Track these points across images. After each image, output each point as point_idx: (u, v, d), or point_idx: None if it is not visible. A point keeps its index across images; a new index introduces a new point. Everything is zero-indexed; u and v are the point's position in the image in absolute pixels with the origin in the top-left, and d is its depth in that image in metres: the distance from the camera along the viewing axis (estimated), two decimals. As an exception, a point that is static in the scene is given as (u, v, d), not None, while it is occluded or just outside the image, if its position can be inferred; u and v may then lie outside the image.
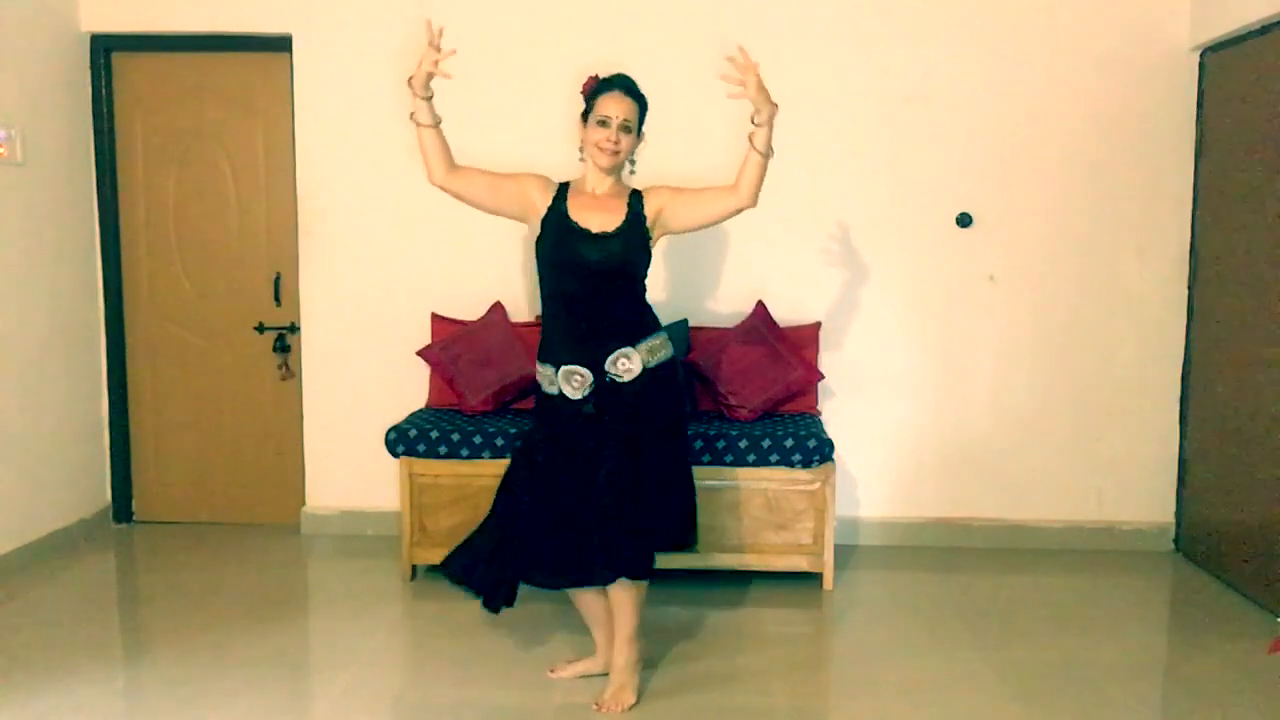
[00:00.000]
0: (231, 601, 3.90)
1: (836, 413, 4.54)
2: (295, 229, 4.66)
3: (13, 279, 4.23)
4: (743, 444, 3.98)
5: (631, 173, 3.16)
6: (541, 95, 4.50)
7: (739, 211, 3.09)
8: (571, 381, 3.03)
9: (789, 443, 3.97)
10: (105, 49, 4.67)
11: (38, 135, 4.34)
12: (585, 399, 3.03)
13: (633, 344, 3.04)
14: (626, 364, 3.03)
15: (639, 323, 3.09)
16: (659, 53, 4.48)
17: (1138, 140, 4.42)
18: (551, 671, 3.28)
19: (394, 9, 4.52)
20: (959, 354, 4.55)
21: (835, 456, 4.07)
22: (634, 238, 3.05)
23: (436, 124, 3.08)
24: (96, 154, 4.71)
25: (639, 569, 3.09)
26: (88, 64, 4.66)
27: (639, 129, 3.10)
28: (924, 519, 4.61)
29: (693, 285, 4.57)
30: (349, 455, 4.67)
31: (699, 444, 3.98)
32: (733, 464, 3.98)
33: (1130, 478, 4.55)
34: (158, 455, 4.86)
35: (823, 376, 4.41)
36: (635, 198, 3.11)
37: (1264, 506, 3.86)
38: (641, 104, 3.10)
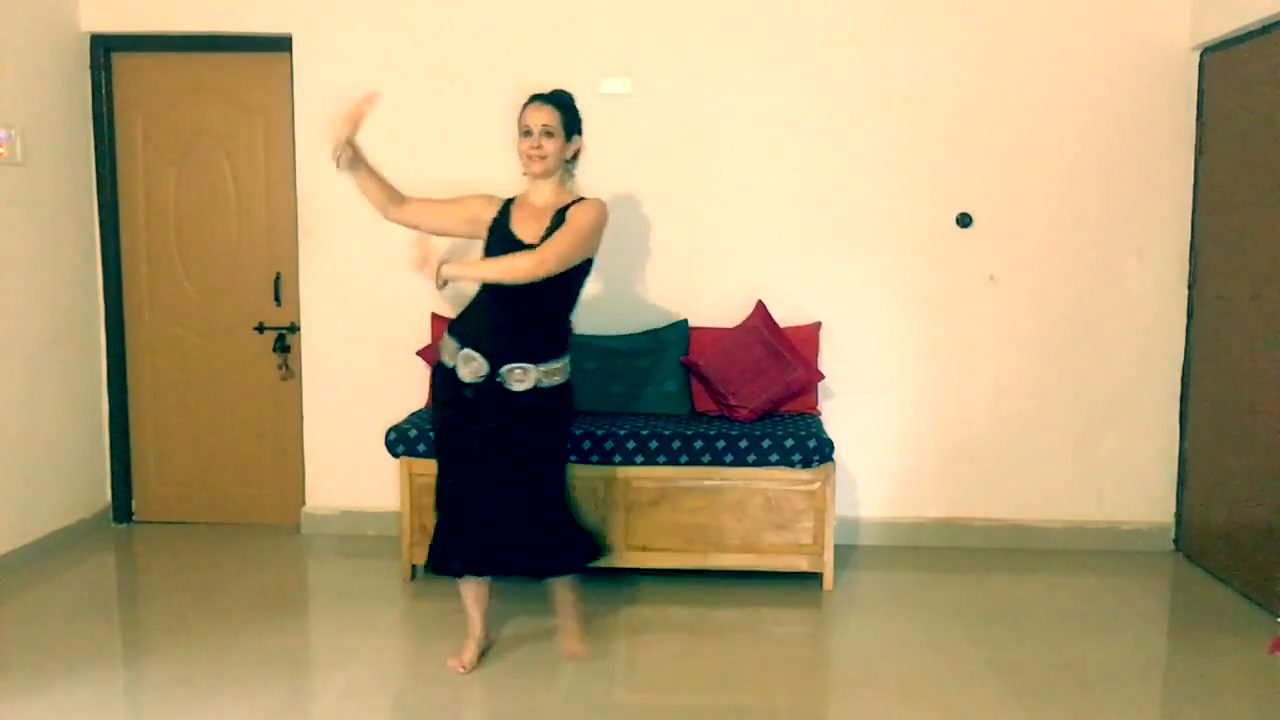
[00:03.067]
0: (231, 601, 3.90)
1: (836, 413, 4.54)
2: (295, 229, 4.66)
3: (13, 279, 4.23)
4: (743, 444, 3.98)
5: (574, 177, 3.31)
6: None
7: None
8: (468, 365, 3.16)
9: (789, 443, 3.97)
10: (105, 49, 4.67)
11: (38, 135, 4.34)
12: (471, 385, 3.16)
13: (535, 363, 3.18)
14: (521, 376, 3.17)
15: (549, 343, 3.23)
16: (660, 51, 4.48)
17: (1138, 140, 4.42)
18: (462, 668, 3.30)
19: (394, 9, 4.52)
20: (959, 354, 4.55)
21: (835, 456, 4.07)
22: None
23: (358, 169, 3.24)
24: (96, 154, 4.71)
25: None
26: (88, 64, 4.67)
27: (569, 134, 3.22)
28: (924, 519, 4.61)
29: (693, 285, 4.57)
30: (349, 455, 4.67)
31: (699, 444, 3.98)
32: (733, 464, 3.99)
33: (1130, 478, 4.55)
34: (158, 455, 4.86)
35: (823, 376, 4.41)
36: (571, 205, 3.22)
37: (1264, 506, 3.86)
38: (564, 110, 3.23)
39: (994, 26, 4.42)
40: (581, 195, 3.28)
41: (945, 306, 4.53)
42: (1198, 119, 4.38)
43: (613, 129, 4.52)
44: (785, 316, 4.48)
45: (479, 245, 3.36)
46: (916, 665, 3.39)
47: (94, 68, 4.67)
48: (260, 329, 4.75)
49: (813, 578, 4.09)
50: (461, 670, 3.29)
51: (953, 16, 4.43)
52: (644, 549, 4.04)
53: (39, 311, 4.39)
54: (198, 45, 4.63)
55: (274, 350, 4.75)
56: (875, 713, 3.10)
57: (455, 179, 4.52)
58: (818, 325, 4.50)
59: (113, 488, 4.85)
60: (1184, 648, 3.66)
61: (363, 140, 4.54)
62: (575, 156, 3.30)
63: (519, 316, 3.18)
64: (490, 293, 3.19)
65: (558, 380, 3.25)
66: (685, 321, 4.47)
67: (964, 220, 4.49)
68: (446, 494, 3.28)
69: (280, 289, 4.73)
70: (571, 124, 3.24)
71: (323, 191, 4.60)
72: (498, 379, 3.16)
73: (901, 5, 4.43)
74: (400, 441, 4.05)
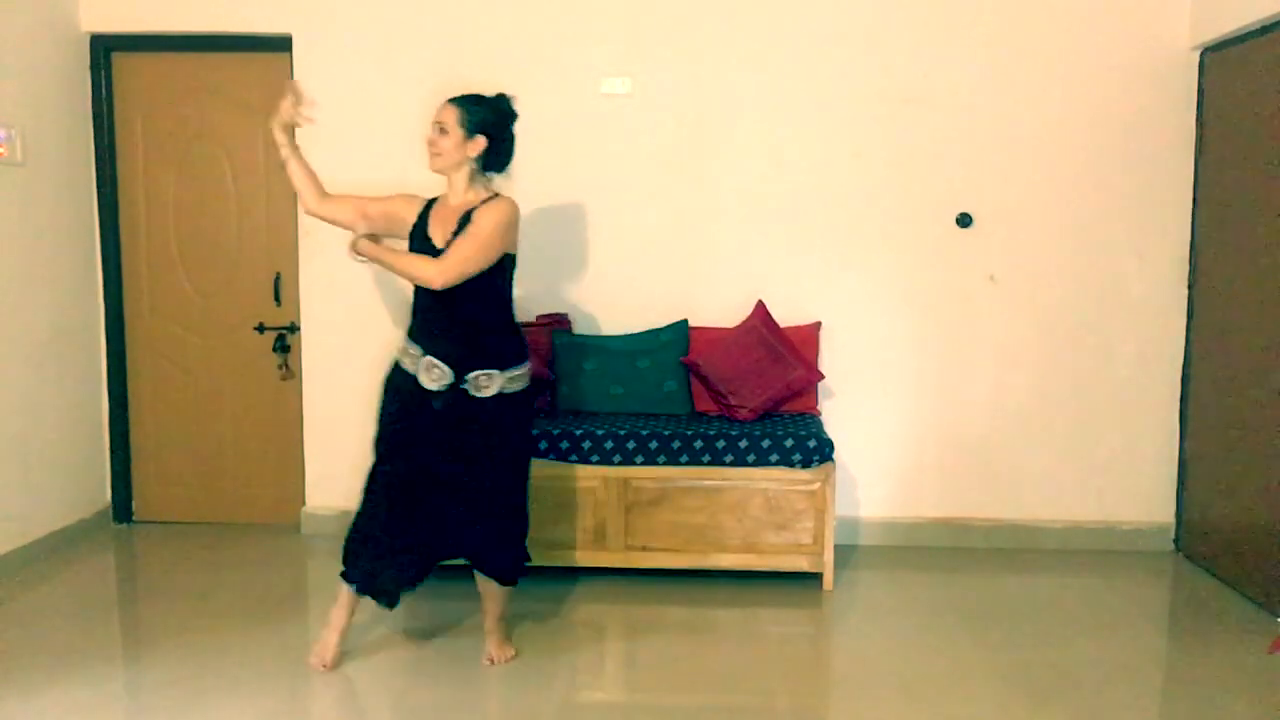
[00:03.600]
0: (231, 601, 3.90)
1: (836, 413, 4.54)
2: (295, 229, 4.66)
3: (13, 279, 4.23)
4: (743, 444, 3.98)
5: (488, 177, 3.32)
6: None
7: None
8: (431, 373, 3.17)
9: (789, 443, 3.97)
10: (105, 49, 4.67)
11: (38, 135, 4.34)
12: (438, 394, 3.17)
13: (500, 368, 3.19)
14: (485, 384, 3.18)
15: (510, 348, 3.24)
16: (661, 52, 4.49)
17: (1138, 140, 4.42)
18: (324, 666, 3.30)
19: (394, 9, 4.52)
20: (959, 354, 4.55)
21: (835, 456, 4.07)
22: None
23: (296, 155, 3.38)
24: (96, 154, 4.71)
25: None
26: (88, 64, 4.67)
27: (470, 132, 3.23)
28: (924, 519, 4.61)
29: (693, 285, 4.57)
30: (349, 455, 4.66)
31: (699, 444, 3.98)
32: (733, 464, 3.99)
33: (1130, 478, 4.55)
34: (158, 455, 4.86)
35: (823, 376, 4.41)
36: (476, 209, 3.22)
37: (1264, 506, 3.86)
38: (466, 108, 3.25)
39: (994, 27, 4.42)
40: (496, 193, 3.28)
41: (945, 306, 4.53)
42: (1198, 119, 4.38)
43: (613, 129, 4.53)
44: (785, 316, 4.48)
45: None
46: (916, 665, 3.39)
47: (94, 68, 4.67)
48: (260, 329, 4.75)
49: (813, 578, 4.09)
50: (325, 668, 3.30)
51: (953, 17, 4.43)
52: (644, 549, 4.04)
53: (39, 311, 4.39)
54: (198, 45, 4.63)
55: (274, 350, 4.75)
56: (875, 713, 3.09)
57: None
58: (818, 325, 4.50)
59: (113, 488, 4.85)
60: (1184, 648, 3.66)
61: (362, 141, 4.58)
62: (491, 157, 3.28)
63: (474, 323, 3.19)
64: (433, 299, 3.18)
65: (520, 386, 3.26)
66: (685, 321, 4.47)
67: (964, 220, 4.49)
68: (376, 496, 3.28)
69: (280, 289, 4.73)
70: (475, 124, 3.23)
71: (323, 191, 4.59)
72: (462, 385, 3.17)
73: (901, 5, 4.43)
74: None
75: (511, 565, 3.39)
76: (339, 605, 3.35)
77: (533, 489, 4.02)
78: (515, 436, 3.33)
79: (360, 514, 3.33)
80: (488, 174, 3.32)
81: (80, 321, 4.66)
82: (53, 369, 4.48)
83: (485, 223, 3.15)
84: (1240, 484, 4.04)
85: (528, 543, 3.46)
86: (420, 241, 3.24)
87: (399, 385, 3.27)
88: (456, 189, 3.28)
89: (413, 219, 3.30)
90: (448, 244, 3.16)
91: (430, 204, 3.33)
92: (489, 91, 3.32)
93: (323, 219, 3.41)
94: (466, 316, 3.19)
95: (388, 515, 3.25)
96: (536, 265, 4.60)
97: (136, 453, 4.86)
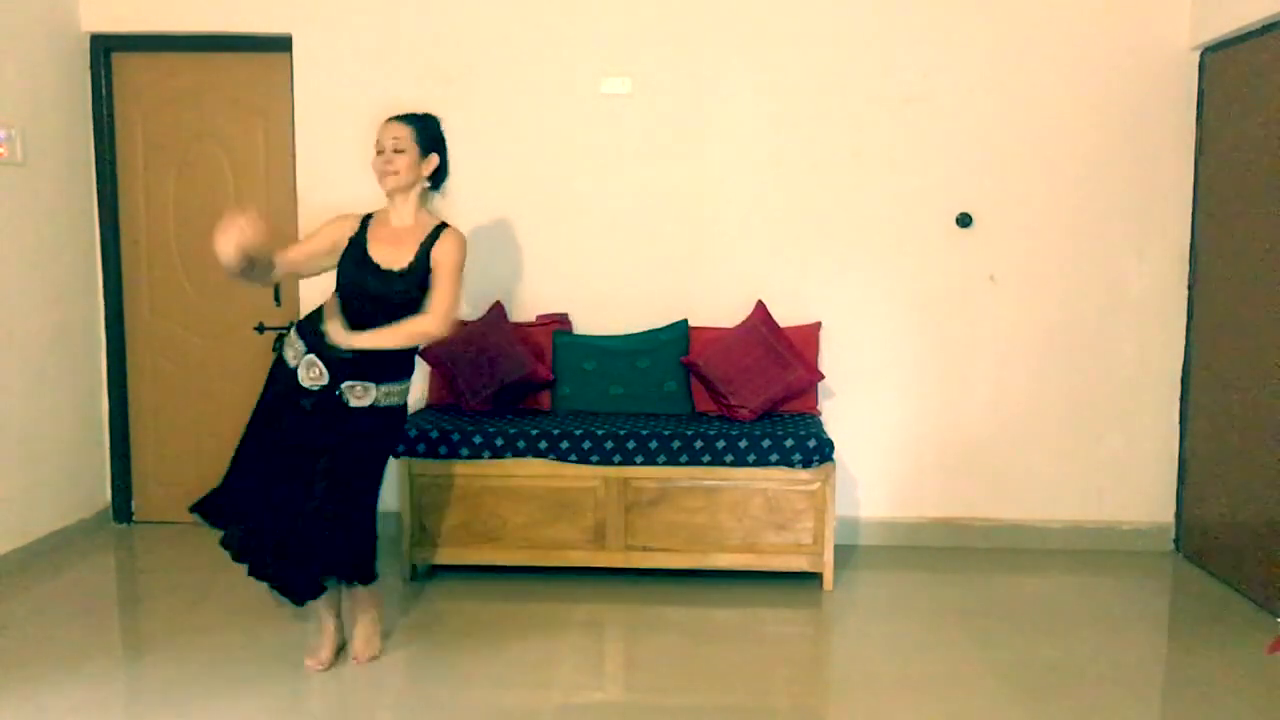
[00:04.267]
0: (231, 601, 3.90)
1: (836, 413, 4.55)
2: (295, 229, 4.65)
3: (13, 279, 4.23)
4: (743, 444, 3.98)
5: (434, 195, 3.31)
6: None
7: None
8: (310, 371, 3.15)
9: (789, 443, 3.97)
10: (105, 49, 4.67)
11: (38, 135, 4.34)
12: (310, 394, 3.15)
13: (377, 383, 3.17)
14: (360, 395, 3.17)
15: (396, 365, 3.22)
16: (660, 52, 4.49)
17: (1138, 140, 4.42)
18: (320, 667, 3.31)
19: (394, 9, 4.53)
20: (959, 354, 4.55)
21: (835, 456, 4.07)
22: (417, 278, 3.17)
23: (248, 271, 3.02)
24: (96, 154, 4.71)
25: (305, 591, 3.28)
26: (88, 64, 4.67)
27: (425, 150, 3.22)
28: (924, 519, 4.61)
29: (693, 285, 4.57)
30: (349, 455, 4.67)
31: (699, 444, 3.98)
32: (733, 464, 3.99)
33: (1130, 478, 4.55)
34: (158, 455, 4.86)
35: (823, 376, 4.41)
36: (434, 235, 3.20)
37: (1264, 506, 3.86)
38: (417, 126, 3.23)
39: (994, 27, 4.42)
40: (442, 220, 3.26)
41: (945, 306, 4.53)
42: (1198, 119, 4.38)
43: (613, 129, 4.53)
44: (785, 316, 4.48)
45: None
46: (916, 665, 3.39)
47: (94, 68, 4.67)
48: (260, 329, 4.75)
49: (813, 578, 4.09)
50: (320, 668, 3.30)
51: (953, 16, 4.43)
52: (644, 549, 4.04)
53: (39, 311, 4.39)
54: (198, 45, 4.63)
55: (274, 350, 4.74)
56: (875, 713, 3.10)
57: (452, 178, 4.52)
58: (818, 325, 4.50)
59: (113, 488, 4.85)
60: (1184, 648, 3.66)
61: (361, 142, 4.56)
62: (437, 176, 3.28)
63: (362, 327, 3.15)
64: (349, 311, 3.17)
65: (395, 401, 3.26)
66: (685, 321, 4.47)
67: (964, 220, 4.49)
68: (243, 458, 3.26)
69: (280, 289, 4.73)
70: (427, 142, 3.23)
71: (323, 191, 4.60)
72: (337, 392, 3.15)
73: (901, 5, 4.43)
74: (400, 441, 4.04)
75: (352, 561, 3.28)
76: (320, 606, 3.36)
77: (527, 490, 4.04)
78: (379, 443, 3.30)
79: (230, 473, 3.30)
80: (432, 193, 3.31)
81: (80, 321, 4.66)
82: (53, 369, 4.48)
83: (454, 260, 3.17)
84: (1240, 484, 4.04)
85: (377, 559, 3.40)
86: (359, 264, 3.16)
87: (277, 376, 3.24)
88: (403, 210, 3.23)
89: (347, 238, 3.22)
90: (408, 269, 3.13)
91: (366, 220, 3.25)
92: (419, 109, 3.34)
93: (288, 276, 3.42)
94: (359, 322, 3.16)
95: (244, 475, 3.23)
96: (537, 265, 4.60)
97: (136, 453, 4.86)
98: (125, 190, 4.76)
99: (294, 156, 4.63)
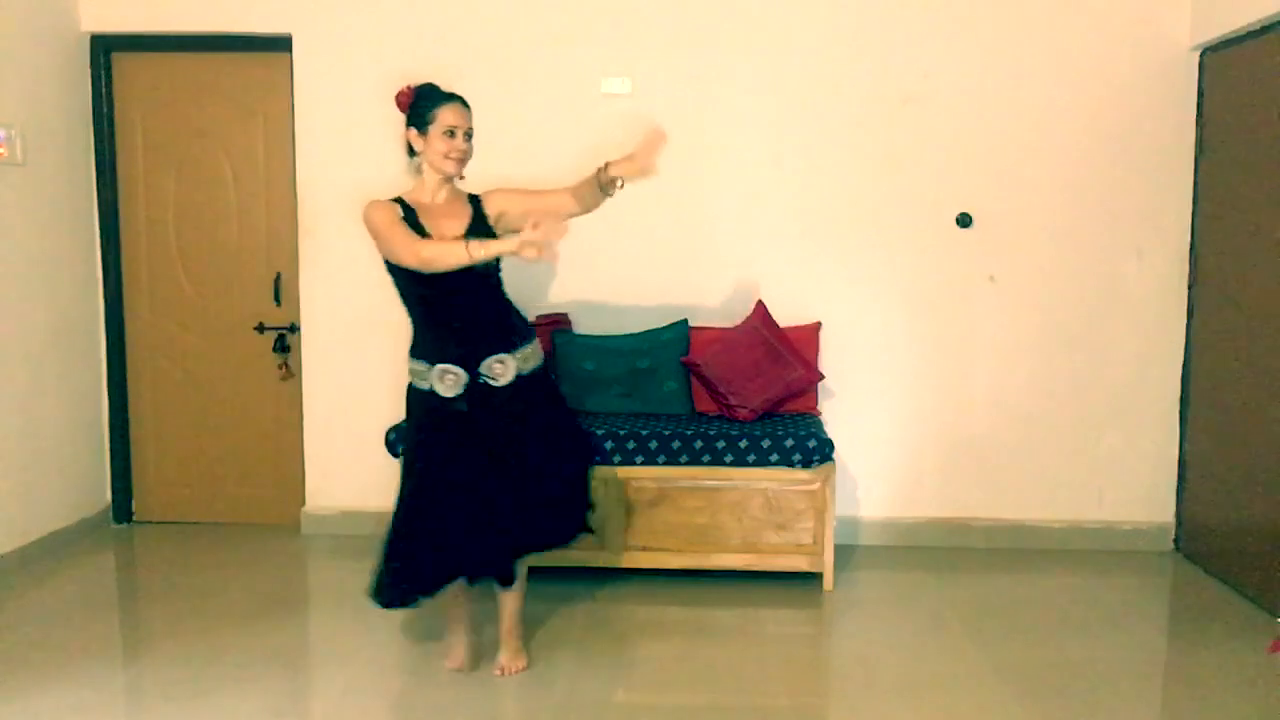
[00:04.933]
0: (231, 601, 3.90)
1: (836, 413, 4.54)
2: (295, 229, 4.66)
3: (13, 279, 4.24)
4: (743, 444, 3.98)
5: (462, 177, 3.24)
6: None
7: (572, 217, 3.15)
8: (444, 380, 3.10)
9: (789, 443, 3.97)
10: (105, 49, 4.67)
11: (38, 135, 4.34)
12: (458, 397, 3.10)
13: (509, 350, 3.14)
14: (501, 368, 3.13)
15: (512, 328, 3.20)
16: (660, 52, 4.49)
17: (1138, 140, 4.42)
18: (458, 668, 3.30)
19: (394, 9, 4.52)
20: (959, 354, 4.55)
21: (835, 456, 4.07)
22: (481, 239, 3.11)
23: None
24: (96, 154, 4.71)
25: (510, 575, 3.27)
26: (88, 64, 4.67)
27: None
28: (924, 519, 4.61)
29: (693, 285, 4.57)
30: (349, 455, 4.67)
31: (699, 444, 3.98)
32: (733, 464, 3.98)
33: (1130, 478, 4.55)
34: (158, 455, 4.86)
35: (823, 376, 4.41)
36: (474, 201, 3.21)
37: (1264, 506, 3.86)
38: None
39: (994, 26, 4.42)
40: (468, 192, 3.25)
41: (945, 306, 4.53)
42: (1198, 119, 4.38)
43: (613, 129, 4.52)
44: (785, 316, 4.48)
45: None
46: (916, 665, 3.39)
47: (94, 68, 4.67)
48: (260, 329, 4.75)
49: (813, 578, 4.09)
50: (458, 669, 3.29)
51: (953, 16, 4.42)
52: (644, 549, 4.04)
53: (39, 311, 4.39)
54: (198, 45, 4.63)
55: (274, 350, 4.75)
56: (875, 713, 3.10)
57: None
58: (818, 325, 4.50)
59: (113, 488, 4.85)
60: (1184, 648, 3.66)
61: (361, 142, 4.58)
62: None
63: (466, 318, 3.13)
64: (426, 307, 3.13)
65: (536, 365, 3.22)
66: (685, 321, 4.47)
67: (964, 220, 4.49)
68: (411, 515, 3.15)
69: (280, 289, 4.73)
70: None
71: (323, 191, 4.60)
72: (480, 380, 3.12)
73: (901, 5, 4.43)
74: (400, 441, 4.04)
75: (569, 529, 3.32)
76: (450, 617, 3.35)
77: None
78: (545, 411, 3.25)
79: (393, 550, 3.16)
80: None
81: (80, 321, 4.66)
82: (53, 369, 4.48)
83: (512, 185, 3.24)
84: (1240, 484, 4.04)
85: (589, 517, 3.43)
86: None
87: (416, 405, 3.20)
88: (442, 188, 3.18)
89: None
90: (466, 234, 3.06)
91: (404, 204, 3.13)
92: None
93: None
94: (471, 310, 3.13)
95: (420, 529, 3.14)
96: (536, 265, 4.59)
97: (136, 453, 4.86)
98: (125, 190, 4.76)
99: (294, 156, 4.63)
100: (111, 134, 4.72)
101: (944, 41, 4.43)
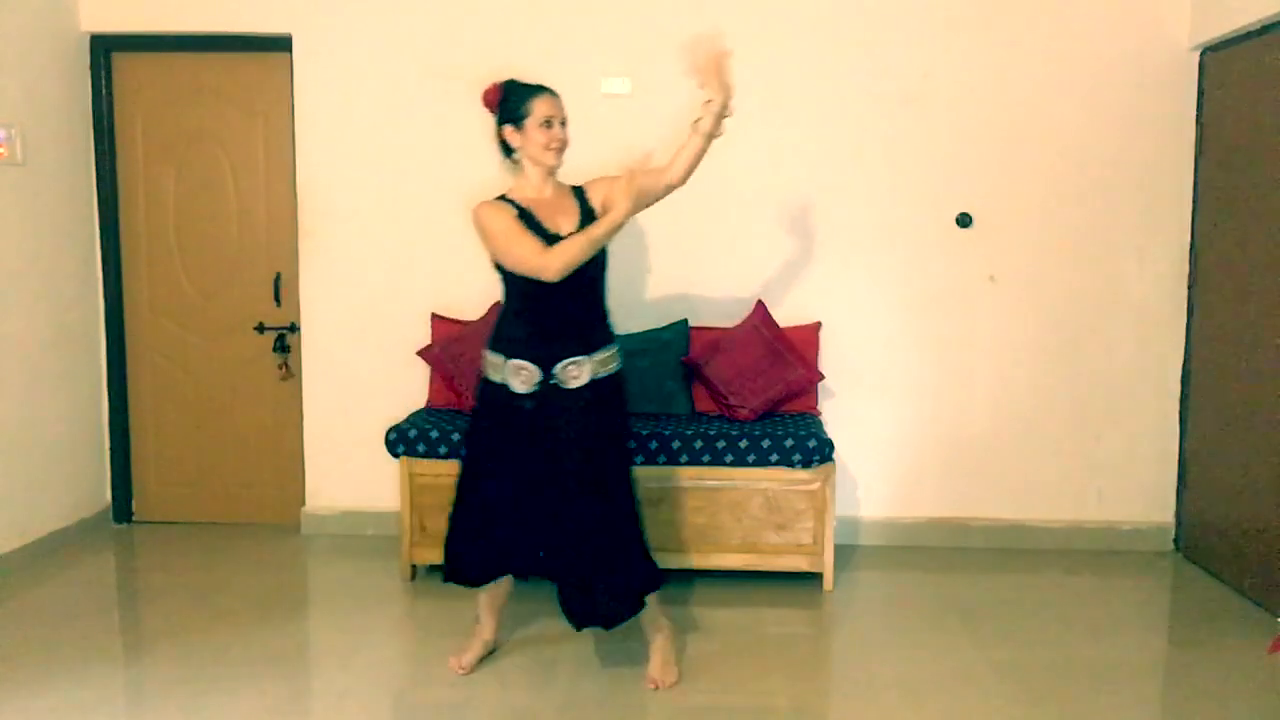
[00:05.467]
0: (231, 601, 3.90)
1: (836, 413, 4.54)
2: (295, 229, 4.66)
3: (13, 279, 4.23)
4: (743, 444, 3.98)
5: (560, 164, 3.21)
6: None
7: (670, 190, 3.14)
8: (518, 375, 3.07)
9: (789, 443, 3.97)
10: (105, 49, 4.67)
11: (38, 135, 4.34)
12: (528, 395, 3.07)
13: (587, 353, 3.08)
14: (575, 371, 3.07)
15: (596, 330, 3.14)
16: (660, 52, 4.49)
17: (1138, 140, 4.42)
18: (461, 669, 3.28)
19: (394, 9, 4.52)
20: (959, 354, 4.55)
21: (835, 456, 4.07)
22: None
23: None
24: (96, 154, 4.71)
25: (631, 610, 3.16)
26: (88, 64, 4.67)
27: None
28: (924, 519, 4.61)
29: (693, 285, 4.57)
30: (349, 455, 4.67)
31: (699, 444, 3.98)
32: (733, 464, 3.98)
33: (1130, 478, 4.55)
34: (158, 455, 4.86)
35: (823, 376, 4.41)
36: (578, 194, 3.19)
37: (1264, 506, 3.86)
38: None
39: (994, 27, 4.42)
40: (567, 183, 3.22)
41: (945, 306, 4.53)
42: (1198, 119, 4.38)
43: (613, 129, 4.52)
44: (785, 316, 4.48)
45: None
46: (916, 665, 3.39)
47: (94, 68, 4.67)
48: (260, 329, 4.75)
49: (813, 578, 4.09)
50: (461, 671, 3.28)
51: (953, 17, 4.42)
52: (644, 549, 4.03)
53: (39, 311, 4.39)
54: (198, 45, 4.63)
55: (274, 350, 4.75)
56: (875, 713, 3.10)
57: (454, 178, 4.53)
58: (818, 325, 4.50)
59: (113, 488, 4.85)
60: (1184, 648, 3.66)
61: (362, 142, 4.58)
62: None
63: (556, 317, 3.07)
64: (523, 303, 3.06)
65: (613, 368, 3.15)
66: (685, 321, 4.47)
67: (964, 220, 4.49)
68: (475, 503, 3.16)
69: (280, 289, 4.73)
70: None
71: (323, 191, 4.60)
72: (552, 381, 3.07)
73: (901, 5, 4.43)
74: (400, 441, 4.05)
75: (639, 582, 3.15)
76: (482, 603, 3.32)
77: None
78: (614, 425, 3.16)
79: (459, 530, 3.19)
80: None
81: (80, 321, 4.66)
82: (53, 369, 4.48)
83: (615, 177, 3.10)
84: (1240, 484, 4.04)
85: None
86: (543, 238, 3.01)
87: (487, 396, 3.15)
88: (547, 182, 3.13)
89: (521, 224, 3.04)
90: (579, 228, 3.03)
91: (513, 203, 3.07)
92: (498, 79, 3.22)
93: None
94: (565, 309, 3.06)
95: (486, 510, 3.15)
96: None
97: (136, 453, 4.86)
98: (125, 190, 4.75)
99: (294, 156, 4.63)
100: (111, 134, 4.72)
101: (944, 41, 4.43)
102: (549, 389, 3.07)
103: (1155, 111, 4.40)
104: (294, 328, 4.73)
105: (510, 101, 3.11)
